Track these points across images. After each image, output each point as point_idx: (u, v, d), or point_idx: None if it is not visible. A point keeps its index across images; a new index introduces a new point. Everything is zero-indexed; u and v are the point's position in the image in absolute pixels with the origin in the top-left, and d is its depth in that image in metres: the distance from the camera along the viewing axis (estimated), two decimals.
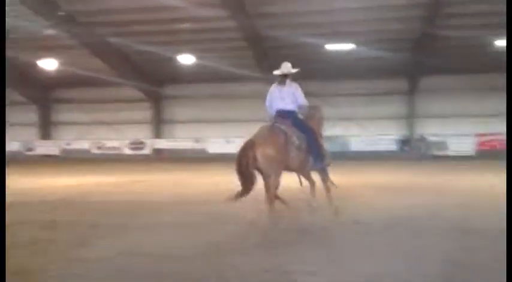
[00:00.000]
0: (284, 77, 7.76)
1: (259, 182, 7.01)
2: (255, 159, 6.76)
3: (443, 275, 4.59)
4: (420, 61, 28.58)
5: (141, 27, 26.92)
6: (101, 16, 26.07)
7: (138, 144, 35.45)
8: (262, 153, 6.76)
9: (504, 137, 30.64)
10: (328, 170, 7.94)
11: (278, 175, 6.95)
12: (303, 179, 8.03)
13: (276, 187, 7.01)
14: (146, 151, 35.16)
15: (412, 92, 32.82)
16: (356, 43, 26.56)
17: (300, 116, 7.69)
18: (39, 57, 29.22)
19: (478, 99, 31.82)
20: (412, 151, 31.08)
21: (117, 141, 35.61)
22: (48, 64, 29.49)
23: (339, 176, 9.08)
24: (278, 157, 6.85)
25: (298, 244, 5.86)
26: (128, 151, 35.32)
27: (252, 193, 7.08)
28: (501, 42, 26.21)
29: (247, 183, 6.84)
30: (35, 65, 30.29)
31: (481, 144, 30.62)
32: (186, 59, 29.07)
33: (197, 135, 34.61)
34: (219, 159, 29.94)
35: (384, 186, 12.37)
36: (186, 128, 35.60)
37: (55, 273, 4.86)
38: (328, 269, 4.82)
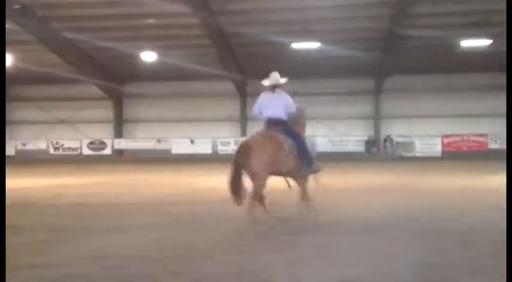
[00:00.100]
0: (273, 86, 7.89)
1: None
2: (249, 161, 7.05)
3: (413, 276, 4.61)
4: (388, 61, 28.49)
5: (101, 23, 26.02)
6: (59, 10, 25.04)
7: (98, 145, 34.50)
8: (256, 156, 7.04)
9: (469, 138, 31.06)
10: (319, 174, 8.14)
11: (265, 178, 7.24)
12: (291, 183, 8.12)
13: (262, 188, 7.26)
14: (107, 151, 34.20)
15: (378, 91, 32.75)
16: (324, 42, 26.23)
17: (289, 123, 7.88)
18: None
19: (444, 100, 32.00)
20: (379, 152, 30.99)
21: (76, 141, 34.54)
22: None
23: None
24: (271, 160, 7.15)
25: (265, 248, 5.69)
26: (87, 151, 34.31)
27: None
28: (467, 43, 26.31)
29: (239, 180, 7.16)
30: None
31: (447, 145, 30.80)
32: (148, 56, 28.21)
33: (160, 135, 33.90)
34: (183, 159, 29.54)
35: (351, 188, 12.20)
36: (149, 128, 34.81)
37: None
38: (297, 272, 4.63)
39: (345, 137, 32.04)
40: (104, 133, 34.91)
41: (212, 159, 29.90)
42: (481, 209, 8.38)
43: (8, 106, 36.00)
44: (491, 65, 27.79)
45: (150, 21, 25.65)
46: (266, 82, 7.99)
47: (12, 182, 14.55)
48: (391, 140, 31.15)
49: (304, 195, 7.88)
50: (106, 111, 35.04)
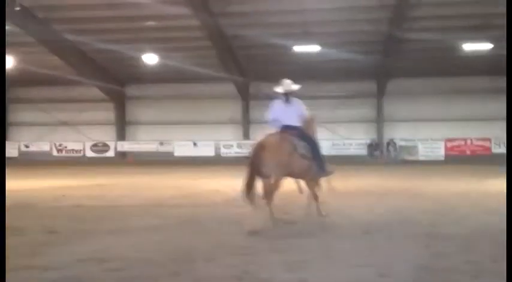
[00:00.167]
0: (286, 94, 7.96)
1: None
2: (263, 160, 7.16)
3: (415, 278, 4.61)
4: (388, 64, 28.47)
5: (103, 25, 26.07)
6: (60, 12, 25.11)
7: (101, 147, 34.51)
8: (269, 156, 7.15)
9: (473, 142, 30.99)
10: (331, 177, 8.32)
11: (279, 179, 7.30)
12: (300, 186, 8.34)
13: (275, 189, 7.30)
14: (110, 154, 34.21)
15: (381, 95, 32.68)
16: (324, 45, 26.21)
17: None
18: None
19: (447, 104, 31.91)
20: (382, 155, 30.91)
21: (80, 143, 34.56)
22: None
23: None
24: (283, 161, 7.23)
25: (268, 250, 5.66)
26: (90, 153, 34.33)
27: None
28: (468, 46, 26.27)
29: (253, 179, 7.22)
30: None
31: (450, 149, 30.73)
32: (149, 59, 28.22)
33: (162, 137, 33.88)
34: (186, 162, 29.51)
35: (354, 191, 12.14)
36: (151, 130, 34.80)
37: None
38: (299, 274, 4.59)
39: (347, 140, 31.97)
40: (106, 135, 34.91)
41: (215, 161, 29.89)
42: (484, 213, 8.35)
43: (10, 108, 36.11)
44: (493, 69, 27.73)
45: (151, 23, 25.71)
46: (279, 89, 8.03)
47: (15, 184, 14.56)
48: (394, 143, 31.07)
49: (315, 197, 7.94)
50: (108, 113, 35.06)
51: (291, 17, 24.82)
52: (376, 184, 14.30)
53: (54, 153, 34.29)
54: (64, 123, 35.32)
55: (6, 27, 24.27)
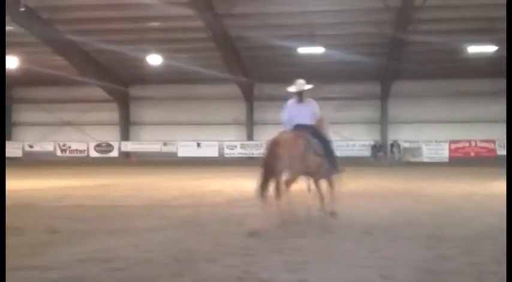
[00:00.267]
0: (299, 93, 8.21)
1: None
2: (277, 156, 7.32)
3: (417, 280, 4.59)
4: (393, 66, 28.42)
5: (106, 25, 26.19)
6: (64, 13, 25.22)
7: (105, 147, 34.58)
8: (284, 152, 7.33)
9: (477, 144, 30.90)
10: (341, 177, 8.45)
11: (295, 174, 7.50)
12: (310, 185, 8.44)
13: (290, 184, 7.48)
14: (114, 154, 34.28)
15: (385, 96, 32.63)
16: (328, 46, 26.22)
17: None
18: None
19: (451, 105, 31.85)
20: (386, 157, 30.86)
21: (83, 144, 34.64)
22: (9, 62, 28.12)
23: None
24: (298, 157, 7.42)
25: (270, 251, 5.63)
26: (94, 154, 34.41)
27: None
28: (473, 49, 26.23)
29: (268, 177, 7.42)
30: None
31: (454, 150, 30.65)
32: (153, 59, 28.27)
33: (166, 137, 33.94)
34: (190, 162, 29.53)
35: (357, 192, 12.04)
36: (155, 130, 34.87)
37: None
38: (301, 275, 4.57)
39: (351, 141, 31.93)
40: (110, 135, 35.01)
41: (218, 162, 29.94)
42: (488, 215, 8.31)
43: (14, 108, 36.24)
44: (497, 71, 27.66)
45: (155, 24, 25.75)
46: (292, 88, 8.24)
47: (18, 184, 14.61)
48: (398, 145, 31.02)
49: (321, 196, 8.12)
50: (112, 113, 35.15)
51: (295, 19, 24.84)
52: (379, 185, 14.28)
53: (58, 153, 34.41)
54: (68, 124, 35.42)
55: (11, 28, 24.43)
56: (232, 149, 33.47)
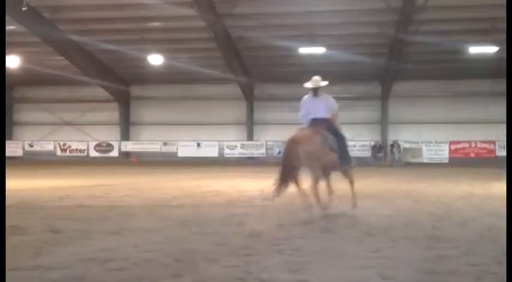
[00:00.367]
0: (315, 89, 8.52)
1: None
2: (297, 154, 7.58)
3: (416, 281, 4.60)
4: (394, 66, 28.43)
5: (108, 25, 26.21)
6: (66, 12, 25.25)
7: (105, 147, 34.60)
8: (303, 150, 7.59)
9: (477, 145, 30.90)
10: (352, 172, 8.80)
11: (317, 170, 7.78)
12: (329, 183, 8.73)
13: (317, 180, 7.77)
14: (114, 154, 34.30)
15: (386, 97, 32.64)
16: (330, 47, 26.23)
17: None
18: None
19: (452, 106, 31.87)
20: (386, 157, 30.87)
21: (84, 143, 34.66)
22: (10, 61, 28.15)
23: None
24: (316, 154, 7.68)
25: (271, 251, 5.62)
26: (94, 153, 34.43)
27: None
28: (474, 49, 26.23)
29: (286, 175, 7.69)
30: None
31: (455, 151, 30.66)
32: (154, 59, 28.29)
33: (166, 137, 33.95)
34: (190, 162, 29.53)
35: (357, 193, 12.01)
36: (155, 130, 34.88)
37: None
38: (301, 275, 4.58)
39: (351, 142, 31.89)
40: (110, 135, 35.02)
41: (218, 162, 29.93)
42: (488, 216, 8.32)
43: (15, 107, 36.29)
44: (498, 72, 27.72)
45: (157, 24, 25.76)
46: (308, 85, 8.55)
47: (18, 183, 14.63)
48: (398, 145, 31.04)
49: (352, 190, 8.60)
50: (113, 113, 35.18)
51: (296, 19, 24.86)
52: (379, 186, 14.29)
53: (58, 152, 34.45)
54: (68, 123, 35.46)
55: (13, 27, 24.48)
56: (233, 149, 33.48)
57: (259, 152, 33.24)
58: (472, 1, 23.16)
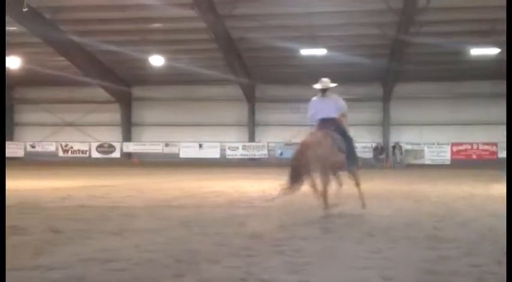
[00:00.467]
0: (324, 90, 8.72)
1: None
2: (307, 159, 7.75)
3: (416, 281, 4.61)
4: (395, 68, 28.42)
5: (109, 26, 26.25)
6: (67, 13, 25.27)
7: (107, 148, 34.61)
8: (313, 154, 7.75)
9: (479, 147, 30.86)
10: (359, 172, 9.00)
11: (326, 172, 7.98)
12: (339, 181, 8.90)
13: (326, 184, 7.96)
14: (116, 155, 34.31)
15: (387, 98, 32.62)
16: (331, 48, 26.22)
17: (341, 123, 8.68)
18: None
19: (454, 108, 31.84)
20: (388, 159, 30.84)
21: (85, 144, 34.67)
22: (11, 62, 28.17)
23: None
24: (325, 156, 7.87)
25: (272, 252, 5.62)
26: (96, 154, 34.44)
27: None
28: (476, 51, 26.20)
29: (296, 177, 7.86)
30: None
31: (456, 153, 30.62)
32: (155, 60, 28.30)
33: (168, 138, 33.96)
34: (191, 163, 29.54)
35: (358, 195, 11.99)
36: (157, 131, 34.89)
37: None
38: (302, 276, 4.58)
39: None
40: (112, 136, 35.04)
41: (220, 163, 29.94)
42: (489, 217, 8.32)
43: (17, 108, 36.35)
44: (500, 74, 27.71)
45: (158, 25, 25.79)
46: (317, 86, 8.77)
47: (20, 184, 14.64)
48: (400, 147, 31.01)
49: (359, 190, 8.78)
50: (114, 114, 35.21)
51: (297, 20, 24.86)
52: (380, 187, 14.26)
53: (60, 153, 34.46)
54: (70, 124, 35.49)
55: (14, 28, 24.51)
56: (234, 150, 33.49)
57: (261, 153, 33.25)
58: (474, 2, 23.15)
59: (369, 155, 31.43)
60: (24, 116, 36.41)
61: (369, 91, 32.43)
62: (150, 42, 27.19)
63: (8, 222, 7.19)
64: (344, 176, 8.98)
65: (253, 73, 31.68)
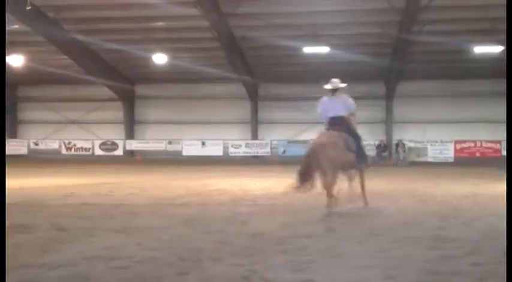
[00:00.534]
0: (334, 90, 8.99)
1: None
2: (318, 159, 8.02)
3: (418, 280, 4.61)
4: (398, 66, 28.36)
5: (112, 25, 26.26)
6: (70, 12, 25.27)
7: (110, 145, 34.65)
8: (326, 155, 8.00)
9: (482, 145, 30.80)
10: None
11: (335, 174, 8.21)
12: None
13: (333, 184, 8.17)
14: (119, 152, 34.34)
15: (390, 96, 32.57)
16: (334, 46, 26.18)
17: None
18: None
19: (457, 106, 31.78)
20: (391, 157, 30.79)
21: (89, 142, 34.72)
22: (15, 60, 28.20)
23: None
24: (336, 158, 8.09)
25: (275, 251, 5.62)
26: (99, 152, 34.48)
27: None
28: (478, 49, 26.12)
29: (307, 176, 8.13)
30: None
31: (460, 151, 30.55)
32: (158, 59, 28.29)
33: (171, 136, 33.98)
34: (194, 161, 29.55)
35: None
36: (160, 129, 34.92)
37: (13, 280, 4.42)
38: (306, 275, 4.58)
39: None
40: (115, 134, 35.07)
41: (223, 161, 29.94)
42: (492, 216, 8.30)
43: (20, 106, 36.46)
44: (502, 71, 27.57)
45: (160, 23, 25.78)
46: (328, 86, 9.04)
47: (24, 181, 14.68)
48: (403, 144, 30.94)
49: (362, 189, 9.01)
50: (117, 112, 35.23)
51: (300, 19, 24.83)
52: (383, 185, 14.25)
53: (63, 151, 34.50)
54: (73, 122, 35.56)
55: (17, 27, 24.54)
56: (237, 148, 33.49)
57: (264, 151, 33.25)
58: (476, 1, 23.07)
59: (372, 152, 31.38)
60: (28, 114, 36.49)
61: (371, 89, 32.37)
62: (153, 40, 27.18)
63: (13, 220, 7.26)
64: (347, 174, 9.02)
65: (256, 71, 31.66)
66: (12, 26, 24.15)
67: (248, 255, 5.42)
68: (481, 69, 29.18)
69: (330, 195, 8.20)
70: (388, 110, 32.85)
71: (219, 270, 4.82)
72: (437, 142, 31.04)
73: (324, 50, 26.48)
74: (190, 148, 33.58)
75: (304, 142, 32.08)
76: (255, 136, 34.04)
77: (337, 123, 8.61)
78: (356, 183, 9.15)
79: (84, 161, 29.40)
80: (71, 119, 35.64)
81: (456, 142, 30.73)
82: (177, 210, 8.96)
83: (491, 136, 30.33)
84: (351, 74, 30.38)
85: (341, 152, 8.18)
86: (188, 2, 22.75)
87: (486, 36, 24.61)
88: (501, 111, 29.19)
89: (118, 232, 6.76)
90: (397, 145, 31.29)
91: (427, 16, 23.36)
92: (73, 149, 34.74)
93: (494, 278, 4.56)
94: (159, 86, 34.07)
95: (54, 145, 34.70)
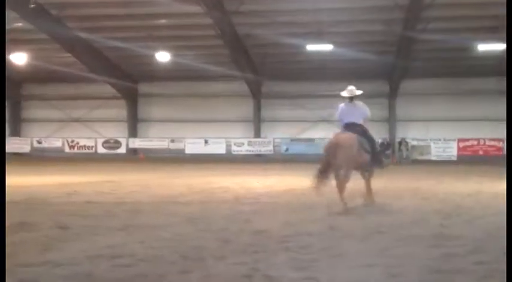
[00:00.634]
0: (350, 98, 9.43)
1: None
2: (334, 156, 8.40)
3: (421, 279, 4.63)
4: (402, 64, 28.29)
5: (115, 23, 26.24)
6: (74, 9, 25.26)
7: (113, 143, 34.68)
8: (343, 153, 8.38)
9: (485, 143, 30.73)
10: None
11: (349, 171, 8.59)
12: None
13: (346, 180, 8.52)
14: (121, 150, 34.37)
15: (394, 95, 32.51)
16: (338, 44, 26.10)
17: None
18: (8, 51, 27.98)
19: (460, 104, 31.69)
20: (394, 155, 30.74)
21: (91, 140, 34.76)
22: (18, 58, 28.22)
23: None
24: (352, 156, 8.48)
25: (278, 249, 5.63)
26: (102, 150, 34.52)
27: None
28: (482, 47, 26.01)
29: (326, 173, 8.53)
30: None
31: (463, 149, 30.48)
32: (162, 57, 28.26)
33: (174, 134, 33.98)
34: (197, 159, 29.56)
35: (364, 191, 11.95)
36: (163, 127, 34.91)
37: (16, 278, 4.44)
38: (308, 273, 4.59)
39: None
40: (118, 132, 35.09)
41: (226, 159, 29.93)
42: (495, 214, 8.27)
43: (23, 104, 36.51)
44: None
45: (164, 21, 25.76)
46: (344, 93, 9.52)
47: (27, 180, 14.69)
48: (406, 143, 30.88)
49: (368, 188, 9.41)
50: (120, 110, 35.24)
51: (304, 16, 24.78)
52: (387, 184, 14.22)
53: (66, 149, 34.53)
54: (76, 120, 35.59)
55: (20, 24, 24.57)
56: (240, 146, 33.48)
57: (267, 149, 33.23)
58: None
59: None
60: (31, 112, 36.53)
61: (375, 87, 32.24)
62: (156, 38, 27.15)
63: (16, 218, 7.28)
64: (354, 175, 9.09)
65: (259, 69, 31.63)
66: (16, 23, 24.19)
67: (251, 253, 5.42)
68: (485, 67, 29.09)
69: (341, 192, 8.45)
70: (391, 108, 32.78)
71: (222, 268, 4.82)
72: (441, 140, 30.97)
73: (327, 47, 26.41)
74: (193, 146, 33.58)
75: (307, 140, 32.30)
76: (257, 134, 34.02)
77: (352, 128, 9.07)
78: (365, 181, 9.49)
79: (87, 159, 29.43)
80: (74, 117, 35.68)
81: (459, 140, 30.66)
82: (179, 208, 8.96)
83: (495, 134, 30.22)
84: (354, 72, 30.43)
85: (357, 153, 8.57)
86: None
87: (490, 33, 24.53)
88: (504, 110, 29.11)
89: (121, 230, 6.76)
90: (400, 143, 31.24)
91: (431, 14, 23.27)
92: (76, 147, 34.76)
93: (497, 277, 4.54)
94: (162, 84, 34.06)
95: (58, 143, 34.73)
